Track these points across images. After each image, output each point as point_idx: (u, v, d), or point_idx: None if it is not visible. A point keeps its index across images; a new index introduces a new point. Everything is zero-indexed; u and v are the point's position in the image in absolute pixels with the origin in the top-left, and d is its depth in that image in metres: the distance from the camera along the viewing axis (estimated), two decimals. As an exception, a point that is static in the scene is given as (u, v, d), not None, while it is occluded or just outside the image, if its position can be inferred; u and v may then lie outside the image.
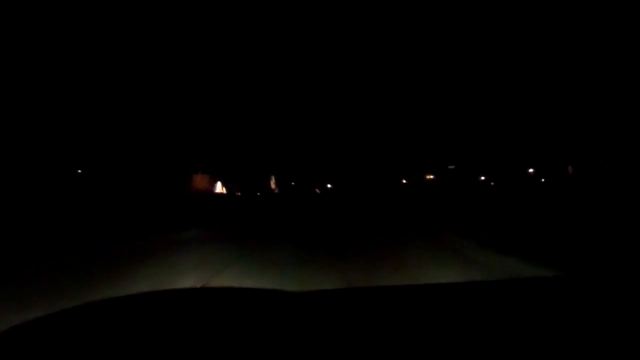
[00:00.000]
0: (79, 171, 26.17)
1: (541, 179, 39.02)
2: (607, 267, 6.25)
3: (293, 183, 55.36)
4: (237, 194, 41.92)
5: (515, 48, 37.48)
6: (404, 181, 69.80)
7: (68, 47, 25.11)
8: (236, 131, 40.11)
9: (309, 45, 50.24)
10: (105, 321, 1.21)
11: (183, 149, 34.55)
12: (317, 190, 56.97)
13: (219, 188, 41.72)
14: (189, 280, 5.87)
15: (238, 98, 39.50)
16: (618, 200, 18.03)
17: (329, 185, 63.88)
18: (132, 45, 29.12)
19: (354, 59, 56.15)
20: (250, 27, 41.36)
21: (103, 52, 27.18)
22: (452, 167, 48.42)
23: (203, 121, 35.81)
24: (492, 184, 46.21)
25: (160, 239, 10.88)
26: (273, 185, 50.85)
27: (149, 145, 29.70)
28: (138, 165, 27.61)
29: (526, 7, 35.52)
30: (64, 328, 1.14)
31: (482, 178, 54.31)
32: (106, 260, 7.59)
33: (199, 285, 5.46)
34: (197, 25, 34.28)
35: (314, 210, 24.47)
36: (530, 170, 41.13)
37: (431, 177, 70.32)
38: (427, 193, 38.73)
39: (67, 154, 24.29)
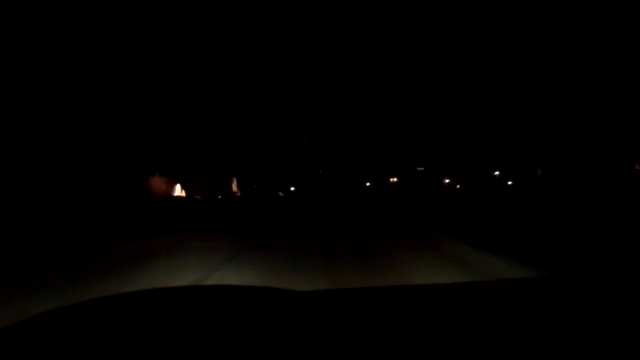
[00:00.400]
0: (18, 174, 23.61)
1: (507, 181, 38.97)
2: (600, 268, 6.03)
3: (256, 186, 53.60)
4: (196, 197, 39.97)
5: (480, 51, 37.33)
6: (368, 184, 69.75)
7: (12, 42, 22.69)
8: (196, 131, 38.14)
9: (269, 42, 48.76)
10: (102, 319, 1.18)
11: (138, 150, 32.31)
12: (281, 193, 55.62)
13: (178, 191, 39.65)
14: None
15: (197, 96, 37.56)
16: (588, 201, 17.99)
17: (292, 188, 62.70)
18: (82, 40, 26.84)
19: (317, 58, 55.06)
20: (201, 24, 39.45)
21: (51, 47, 24.85)
22: (422, 169, 48.05)
23: (160, 120, 33.71)
24: (458, 186, 46.07)
25: (109, 251, 9.27)
26: (235, 188, 48.96)
27: (99, 145, 27.41)
28: (87, 168, 25.29)
29: (492, 12, 35.39)
30: (57, 327, 1.11)
31: (447, 181, 54.36)
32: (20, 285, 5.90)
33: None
34: (147, 21, 32.14)
35: (278, 215, 23.20)
36: (496, 172, 41.06)
37: (395, 180, 70.65)
38: (392, 196, 39.42)
39: (8, 154, 21.81)
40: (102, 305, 1.27)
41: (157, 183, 35.26)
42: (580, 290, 1.44)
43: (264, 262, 7.65)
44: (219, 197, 41.68)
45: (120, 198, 23.31)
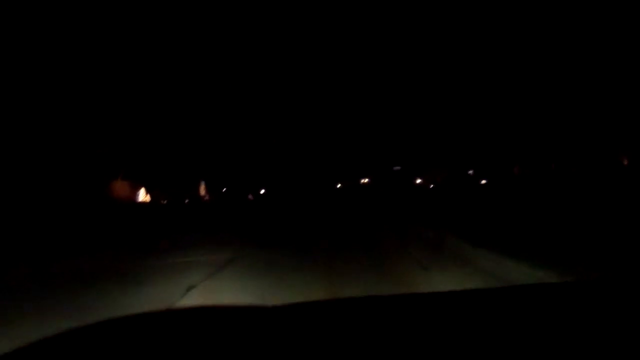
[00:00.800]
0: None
1: (481, 180, 38.70)
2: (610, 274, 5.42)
3: (225, 189, 51.83)
4: (162, 201, 38.06)
5: (455, 49, 37.07)
6: (339, 185, 69.04)
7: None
8: (161, 132, 36.27)
9: (236, 41, 47.37)
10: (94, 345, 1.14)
11: (99, 152, 30.25)
12: (251, 197, 54.02)
13: (142, 196, 37.65)
14: None
15: (163, 96, 35.73)
16: (565, 198, 17.54)
17: (262, 191, 61.21)
18: (47, 38, 24.90)
19: (285, 57, 53.94)
20: (167, 26, 37.75)
21: (16, 46, 22.87)
22: (398, 168, 47.50)
23: (123, 121, 31.75)
24: (432, 186, 45.69)
25: (54, 269, 7.86)
26: (203, 192, 47.10)
27: (56, 147, 25.37)
28: (41, 172, 23.23)
29: (469, 12, 35.13)
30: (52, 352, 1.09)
31: (419, 181, 54.00)
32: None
33: None
34: (111, 19, 30.35)
35: (249, 220, 21.76)
36: (470, 171, 40.81)
37: (366, 181, 70.17)
38: (366, 196, 38.65)
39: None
40: (76, 336, 1.18)
41: (121, 187, 33.25)
42: (588, 295, 1.38)
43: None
44: (186, 201, 39.88)
45: (80, 205, 21.41)
